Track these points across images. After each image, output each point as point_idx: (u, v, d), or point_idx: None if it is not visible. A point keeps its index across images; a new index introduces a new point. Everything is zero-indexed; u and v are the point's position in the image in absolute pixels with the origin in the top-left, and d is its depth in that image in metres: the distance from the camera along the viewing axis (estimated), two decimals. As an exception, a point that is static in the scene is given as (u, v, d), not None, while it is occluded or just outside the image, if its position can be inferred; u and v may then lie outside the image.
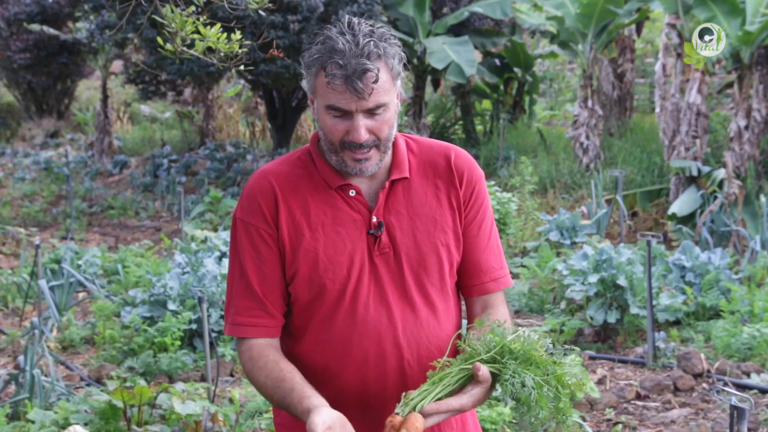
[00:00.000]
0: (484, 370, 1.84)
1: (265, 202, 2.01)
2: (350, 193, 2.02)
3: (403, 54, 1.97)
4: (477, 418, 2.24)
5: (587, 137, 11.46)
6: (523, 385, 1.83)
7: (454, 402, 1.82)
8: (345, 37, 1.88)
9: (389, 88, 1.93)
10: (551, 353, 1.90)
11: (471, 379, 1.86)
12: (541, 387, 1.84)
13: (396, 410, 1.80)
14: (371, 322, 1.99)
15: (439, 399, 1.83)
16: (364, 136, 1.92)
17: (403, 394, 1.85)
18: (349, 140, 1.93)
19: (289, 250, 2.01)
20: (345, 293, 1.99)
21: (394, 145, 2.07)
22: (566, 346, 1.94)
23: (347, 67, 1.86)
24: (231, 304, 2.05)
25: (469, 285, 2.11)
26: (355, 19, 1.93)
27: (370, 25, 1.93)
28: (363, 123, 1.91)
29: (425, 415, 1.79)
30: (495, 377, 1.87)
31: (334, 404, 1.93)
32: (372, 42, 1.88)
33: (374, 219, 2.02)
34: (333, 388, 2.01)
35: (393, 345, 1.99)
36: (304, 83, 2.01)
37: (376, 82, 1.88)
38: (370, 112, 1.92)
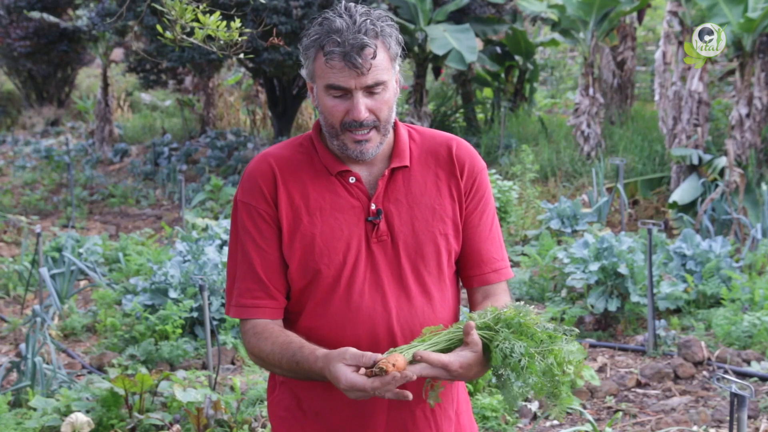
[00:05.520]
0: (474, 332, 1.83)
1: (265, 184, 2.02)
2: (350, 180, 2.03)
3: (400, 37, 1.99)
4: (472, 415, 2.23)
5: (588, 125, 11.44)
6: (513, 351, 1.81)
7: (443, 357, 1.80)
8: (342, 18, 1.91)
9: (387, 66, 1.94)
10: (549, 329, 1.88)
11: (461, 343, 1.85)
12: (533, 356, 1.82)
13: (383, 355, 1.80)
14: (365, 309, 1.99)
15: None
16: (364, 113, 1.92)
17: (390, 349, 1.85)
18: (349, 120, 1.94)
19: (287, 233, 2.01)
20: (340, 279, 1.99)
21: (396, 133, 2.08)
22: (566, 327, 1.91)
23: (345, 43, 1.88)
24: (234, 285, 2.05)
25: (470, 275, 2.11)
26: (351, 3, 1.96)
27: (367, 8, 1.96)
28: (363, 101, 1.92)
29: (411, 360, 1.78)
30: (488, 349, 1.85)
31: (326, 388, 1.95)
32: (369, 20, 1.92)
33: (373, 206, 2.01)
34: None
35: (386, 332, 1.99)
36: (303, 71, 2.02)
37: (374, 58, 1.90)
38: (369, 91, 1.93)
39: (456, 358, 1.81)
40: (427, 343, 1.83)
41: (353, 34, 1.88)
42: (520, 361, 1.81)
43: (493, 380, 1.88)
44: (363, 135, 1.95)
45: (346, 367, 1.77)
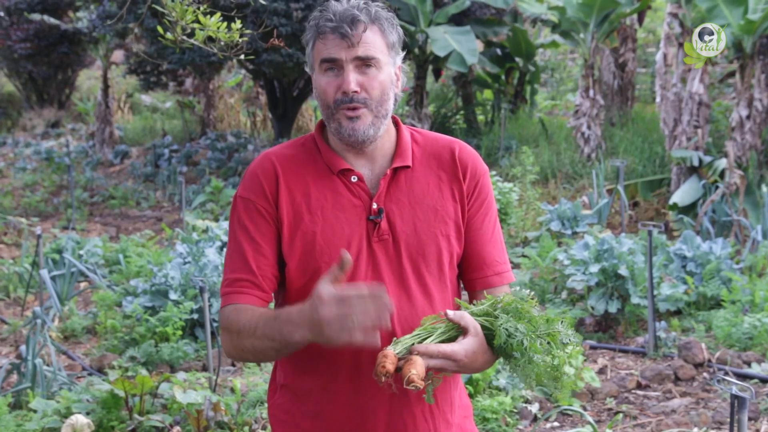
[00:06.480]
0: (467, 314, 1.85)
1: (267, 182, 2.02)
2: (352, 179, 2.03)
3: (400, 28, 2.03)
4: (473, 420, 2.23)
5: (588, 127, 11.45)
6: (516, 330, 1.83)
7: (446, 347, 1.80)
8: (339, 3, 1.98)
9: (382, 48, 1.98)
10: (545, 315, 1.92)
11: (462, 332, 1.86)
12: (534, 337, 1.85)
13: (389, 347, 1.79)
14: None
15: None
16: (353, 85, 1.94)
17: (395, 338, 1.84)
18: (340, 95, 1.96)
19: (287, 232, 2.00)
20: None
21: (398, 133, 2.09)
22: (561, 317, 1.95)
23: (337, 18, 1.94)
24: (225, 278, 2.04)
25: (472, 278, 2.11)
26: None
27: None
28: (353, 75, 1.95)
29: (413, 353, 1.78)
30: (490, 336, 1.87)
31: (327, 390, 1.97)
32: (364, 2, 1.98)
33: (375, 205, 2.01)
34: (325, 375, 2.01)
35: (386, 332, 1.97)
36: (307, 68, 2.05)
37: (365, 32, 1.94)
38: (361, 66, 1.95)
39: (460, 347, 1.81)
40: (435, 335, 1.84)
41: (346, 10, 1.95)
42: (522, 341, 1.83)
43: (502, 361, 1.90)
44: (354, 111, 1.96)
45: (327, 284, 1.75)
